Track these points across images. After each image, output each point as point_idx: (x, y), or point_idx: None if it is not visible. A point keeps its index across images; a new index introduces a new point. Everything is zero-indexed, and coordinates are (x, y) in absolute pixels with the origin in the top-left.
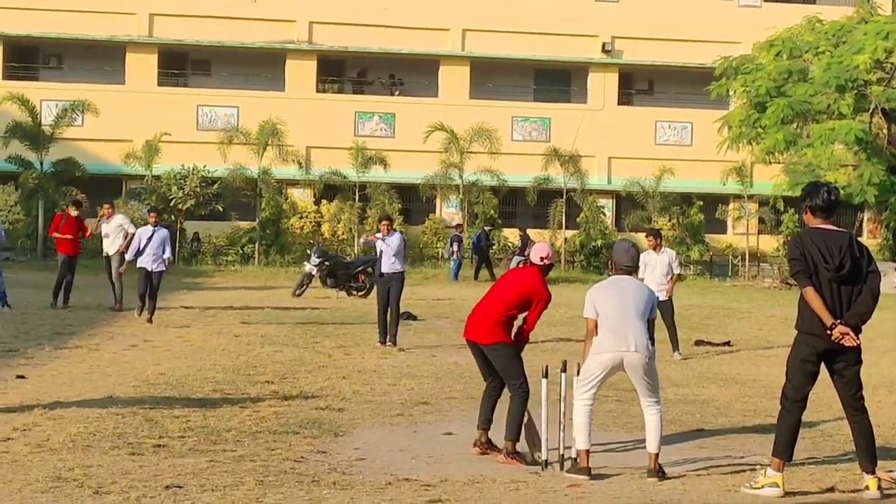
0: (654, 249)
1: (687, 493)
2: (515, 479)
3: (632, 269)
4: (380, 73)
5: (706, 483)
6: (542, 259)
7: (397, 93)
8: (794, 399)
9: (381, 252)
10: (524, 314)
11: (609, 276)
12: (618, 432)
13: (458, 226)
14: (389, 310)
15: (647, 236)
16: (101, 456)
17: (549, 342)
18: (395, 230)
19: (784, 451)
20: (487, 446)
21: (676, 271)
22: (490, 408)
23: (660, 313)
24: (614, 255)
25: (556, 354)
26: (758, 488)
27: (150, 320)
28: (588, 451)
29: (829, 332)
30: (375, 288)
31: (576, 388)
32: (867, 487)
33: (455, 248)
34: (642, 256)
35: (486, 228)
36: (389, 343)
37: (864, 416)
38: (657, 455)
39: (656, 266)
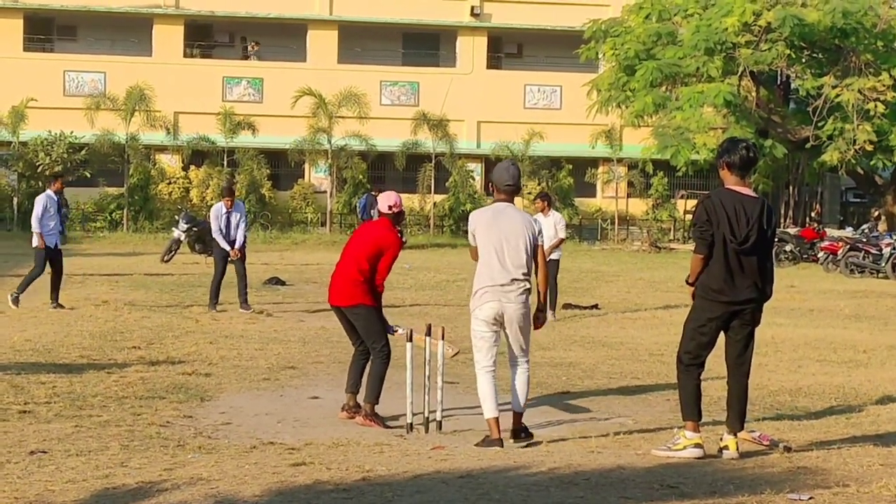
0: (543, 212)
1: (550, 455)
2: (380, 441)
3: (513, 189)
4: (248, 37)
5: (570, 445)
6: (389, 208)
7: (253, 54)
8: (693, 363)
9: (227, 223)
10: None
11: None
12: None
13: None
14: (238, 275)
15: (534, 200)
16: None
17: (416, 306)
18: (239, 201)
19: (692, 413)
20: (356, 411)
21: (561, 235)
22: (358, 373)
23: None
24: (494, 176)
25: (422, 318)
26: (679, 449)
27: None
28: (497, 420)
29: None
30: (216, 256)
31: (475, 360)
32: (726, 447)
33: (374, 213)
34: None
35: (374, 193)
36: (243, 308)
37: (744, 379)
38: (521, 415)
39: (543, 228)
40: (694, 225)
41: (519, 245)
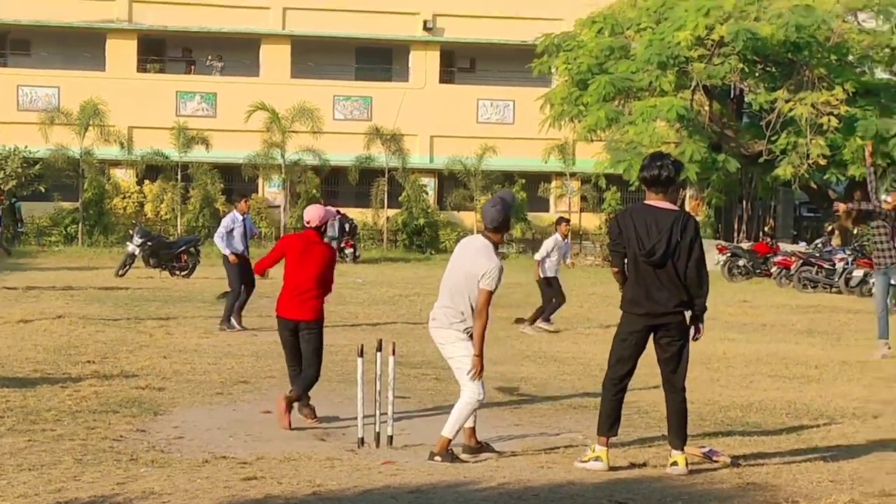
0: (564, 237)
1: (500, 471)
2: (331, 456)
3: (494, 230)
4: (203, 52)
5: (520, 460)
6: (307, 222)
7: (215, 69)
8: (612, 377)
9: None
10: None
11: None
12: (435, 410)
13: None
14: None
15: (560, 223)
16: None
17: (367, 323)
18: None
19: (602, 428)
20: (310, 410)
21: (569, 260)
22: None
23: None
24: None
25: (374, 333)
26: (585, 461)
27: None
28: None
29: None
30: (232, 274)
31: None
32: (675, 463)
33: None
34: (552, 240)
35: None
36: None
37: (680, 395)
38: (448, 440)
39: (561, 251)
40: (609, 239)
41: (460, 279)
